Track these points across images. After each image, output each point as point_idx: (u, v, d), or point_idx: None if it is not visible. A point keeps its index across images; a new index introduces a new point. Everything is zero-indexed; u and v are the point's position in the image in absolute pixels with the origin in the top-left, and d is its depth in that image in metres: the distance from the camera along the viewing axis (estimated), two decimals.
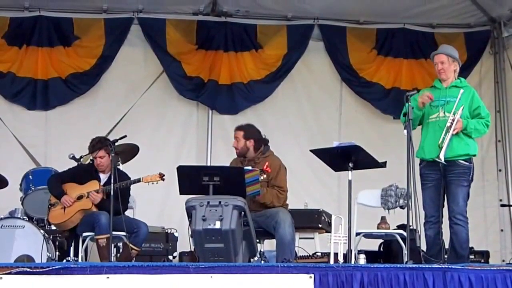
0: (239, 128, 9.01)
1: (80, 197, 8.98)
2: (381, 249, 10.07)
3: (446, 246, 8.22)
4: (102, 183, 9.05)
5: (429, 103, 8.21)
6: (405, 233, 8.13)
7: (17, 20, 11.43)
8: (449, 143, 7.97)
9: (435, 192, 8.17)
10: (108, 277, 6.42)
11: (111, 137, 9.38)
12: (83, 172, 9.21)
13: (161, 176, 8.91)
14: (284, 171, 8.86)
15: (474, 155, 8.19)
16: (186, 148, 11.78)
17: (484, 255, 10.43)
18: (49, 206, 9.05)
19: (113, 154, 8.76)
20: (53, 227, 9.42)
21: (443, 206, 8.19)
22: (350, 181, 8.22)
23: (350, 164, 8.22)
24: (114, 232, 8.46)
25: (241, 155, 8.92)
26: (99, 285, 6.40)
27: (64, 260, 8.91)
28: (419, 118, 8.26)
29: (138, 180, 8.95)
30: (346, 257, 8.18)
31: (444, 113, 8.14)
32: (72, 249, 9.06)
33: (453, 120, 7.99)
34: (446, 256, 8.02)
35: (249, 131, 8.97)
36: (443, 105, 8.17)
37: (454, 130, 7.97)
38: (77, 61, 11.54)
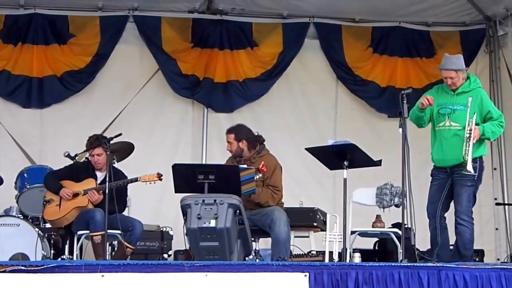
0: (229, 131, 9.00)
1: (76, 195, 8.98)
2: (376, 248, 10.08)
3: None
4: (98, 181, 9.05)
5: (437, 110, 8.22)
6: (400, 232, 8.16)
7: (12, 18, 11.41)
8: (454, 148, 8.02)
9: (437, 190, 8.27)
10: (103, 276, 6.43)
11: (107, 135, 9.36)
12: (79, 170, 9.21)
13: (159, 176, 8.90)
14: (280, 170, 8.87)
15: (483, 154, 8.24)
16: (181, 146, 11.77)
17: (479, 254, 10.42)
18: (44, 203, 9.05)
19: (108, 152, 8.75)
20: (48, 225, 9.42)
21: (444, 205, 8.22)
22: (345, 180, 8.23)
23: (345, 163, 8.24)
24: (109, 231, 8.46)
25: (236, 157, 8.92)
26: (94, 284, 6.41)
27: (59, 259, 8.90)
28: (422, 118, 8.26)
29: (136, 180, 8.95)
30: (341, 255, 8.18)
31: (450, 122, 8.17)
32: (67, 247, 9.06)
33: (470, 129, 7.97)
34: (439, 254, 8.05)
35: (240, 132, 8.96)
36: (449, 113, 8.17)
37: (474, 140, 7.97)
38: (72, 59, 11.53)
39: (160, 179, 8.92)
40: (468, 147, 7.92)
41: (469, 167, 7.91)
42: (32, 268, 6.35)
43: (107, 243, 8.68)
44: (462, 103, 8.14)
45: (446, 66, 8.30)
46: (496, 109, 8.33)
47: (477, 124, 8.06)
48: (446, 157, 8.16)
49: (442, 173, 8.27)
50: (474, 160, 8.09)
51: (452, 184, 8.20)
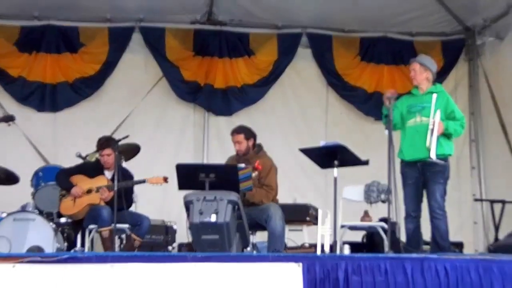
0: (238, 132, 8.99)
1: (89, 191, 9.02)
2: (364, 240, 10.09)
3: (424, 238, 8.29)
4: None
5: (407, 110, 8.27)
6: (386, 226, 8.18)
7: (27, 29, 11.48)
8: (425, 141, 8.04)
9: (414, 189, 8.24)
10: (112, 266, 6.46)
11: (115, 137, 9.40)
12: (90, 168, 9.24)
13: (165, 180, 8.91)
14: (275, 171, 8.89)
15: (450, 155, 8.26)
16: (184, 147, 11.82)
17: (458, 246, 10.47)
18: (60, 197, 9.10)
19: (116, 153, 8.78)
20: (62, 220, 9.45)
21: (422, 202, 8.26)
22: (335, 178, 8.25)
23: (335, 162, 8.23)
24: (118, 225, 8.51)
25: (244, 155, 8.93)
26: (104, 273, 6.42)
27: (72, 250, 8.95)
28: (396, 119, 8.30)
29: (143, 181, 8.98)
30: (332, 247, 8.20)
31: (420, 118, 8.19)
32: (79, 240, 9.09)
33: (433, 123, 8.02)
34: (425, 247, 8.07)
35: (248, 131, 8.99)
36: (419, 110, 8.22)
37: (438, 132, 8.01)
38: (83, 66, 11.59)
39: (166, 182, 8.94)
40: (432, 137, 7.96)
41: (433, 154, 7.92)
42: (47, 259, 6.38)
43: (116, 236, 8.72)
44: (430, 101, 8.16)
45: (413, 59, 8.49)
46: (459, 111, 8.34)
47: (442, 120, 8.11)
48: (416, 147, 8.12)
49: (413, 171, 8.22)
50: (445, 159, 8.14)
51: (423, 182, 8.24)
